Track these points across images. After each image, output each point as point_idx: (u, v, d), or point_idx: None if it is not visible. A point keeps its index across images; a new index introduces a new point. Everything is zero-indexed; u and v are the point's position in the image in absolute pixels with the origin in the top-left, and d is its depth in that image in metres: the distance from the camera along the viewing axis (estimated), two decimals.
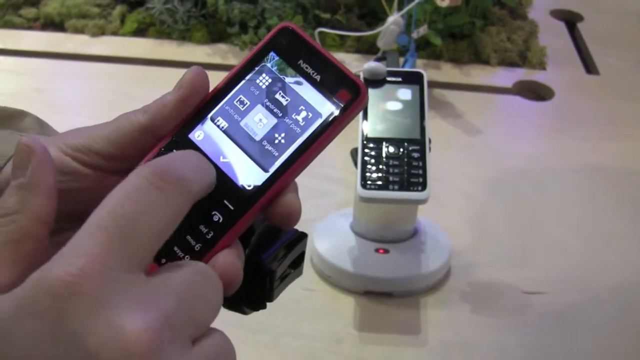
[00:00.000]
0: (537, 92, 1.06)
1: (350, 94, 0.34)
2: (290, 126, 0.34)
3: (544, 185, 0.87)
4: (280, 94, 0.35)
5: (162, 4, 1.09)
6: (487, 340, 0.66)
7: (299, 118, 0.34)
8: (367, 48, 1.10)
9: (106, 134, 0.35)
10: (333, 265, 0.70)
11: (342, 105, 0.34)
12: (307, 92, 0.34)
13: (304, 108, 0.34)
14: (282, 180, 0.33)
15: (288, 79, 0.35)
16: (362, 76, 0.68)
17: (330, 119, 0.34)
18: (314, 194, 0.79)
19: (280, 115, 0.34)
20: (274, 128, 0.34)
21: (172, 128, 0.35)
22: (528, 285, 0.72)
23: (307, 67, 0.35)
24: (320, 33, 1.05)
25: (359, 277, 0.69)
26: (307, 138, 0.34)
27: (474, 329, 0.67)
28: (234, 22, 1.08)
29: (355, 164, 0.65)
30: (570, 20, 1.27)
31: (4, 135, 0.40)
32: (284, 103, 0.34)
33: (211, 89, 0.35)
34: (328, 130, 0.34)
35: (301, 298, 0.69)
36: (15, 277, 0.28)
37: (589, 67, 1.13)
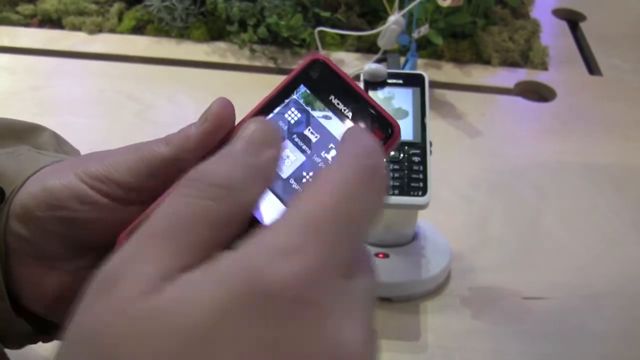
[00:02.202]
0: (539, 93, 1.05)
1: (383, 133, 0.32)
2: (319, 165, 0.32)
3: (545, 188, 0.86)
4: (309, 130, 0.33)
5: (161, 1, 1.08)
6: (487, 346, 0.65)
7: (329, 157, 0.32)
8: (368, 47, 1.09)
9: (127, 163, 0.34)
10: None
11: None
12: (338, 129, 0.33)
13: (333, 146, 0.32)
14: None
15: (318, 114, 0.33)
16: (362, 77, 0.67)
17: None
18: None
19: (308, 152, 0.32)
20: (302, 166, 0.32)
21: (195, 161, 0.33)
22: (529, 291, 0.71)
23: (338, 103, 0.33)
24: (320, 32, 1.04)
25: None
26: None
27: (474, 334, 0.66)
28: (233, 20, 1.07)
29: None
30: (573, 20, 1.26)
31: (22, 152, 0.39)
32: (313, 140, 0.33)
33: (237, 121, 0.34)
34: None
35: None
36: (193, 261, 0.23)
37: (592, 67, 1.12)
